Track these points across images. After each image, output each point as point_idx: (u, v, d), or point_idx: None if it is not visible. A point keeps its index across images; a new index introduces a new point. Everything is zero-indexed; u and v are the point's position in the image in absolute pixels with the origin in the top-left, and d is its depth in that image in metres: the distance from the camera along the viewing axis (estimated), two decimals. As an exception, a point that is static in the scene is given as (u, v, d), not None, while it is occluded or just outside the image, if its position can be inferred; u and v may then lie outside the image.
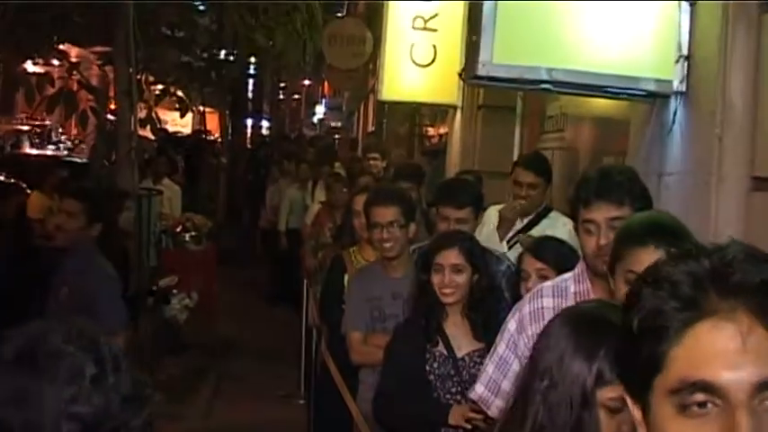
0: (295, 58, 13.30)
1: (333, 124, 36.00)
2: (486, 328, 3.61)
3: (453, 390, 3.58)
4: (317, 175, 11.14)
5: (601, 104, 5.77)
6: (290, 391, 8.20)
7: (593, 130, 6.11)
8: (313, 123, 40.98)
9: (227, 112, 20.39)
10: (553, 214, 5.27)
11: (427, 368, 3.58)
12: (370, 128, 22.96)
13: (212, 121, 23.72)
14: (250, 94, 24.22)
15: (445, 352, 3.60)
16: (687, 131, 3.52)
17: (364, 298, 4.32)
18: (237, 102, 20.83)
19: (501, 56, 3.57)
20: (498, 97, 7.80)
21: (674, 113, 3.55)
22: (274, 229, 12.08)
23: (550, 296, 2.85)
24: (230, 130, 20.67)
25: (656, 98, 3.67)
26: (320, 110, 40.40)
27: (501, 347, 2.93)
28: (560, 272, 3.09)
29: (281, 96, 36.30)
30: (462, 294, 3.61)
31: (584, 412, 1.69)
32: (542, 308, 2.81)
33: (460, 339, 3.64)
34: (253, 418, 7.78)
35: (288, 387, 8.30)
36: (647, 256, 2.16)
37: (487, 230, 4.96)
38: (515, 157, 7.88)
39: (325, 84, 33.58)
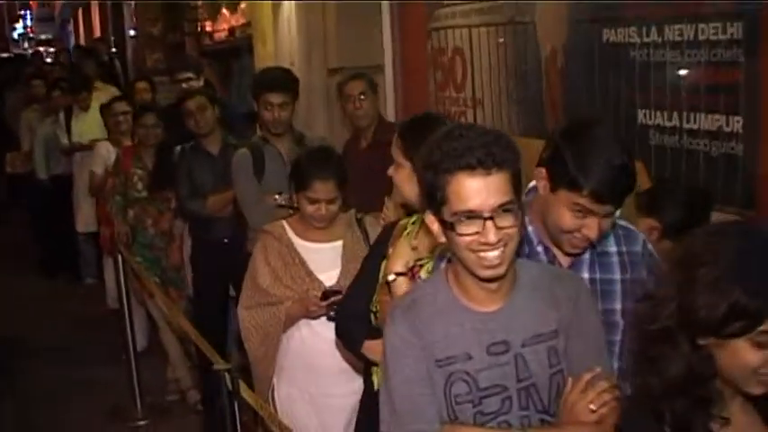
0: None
1: (43, 37, 31.99)
2: None
3: None
4: (73, 101, 8.45)
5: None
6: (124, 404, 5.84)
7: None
8: (15, 39, 36.32)
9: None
10: None
11: None
12: (98, 35, 19.86)
13: None
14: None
15: None
16: None
17: (433, 357, 2.08)
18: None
19: None
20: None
21: None
22: (30, 176, 9.23)
23: None
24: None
25: None
26: (20, 25, 35.95)
27: None
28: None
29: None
30: None
31: None
32: None
33: None
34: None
35: (120, 398, 5.91)
36: None
37: None
38: (388, 44, 5.87)
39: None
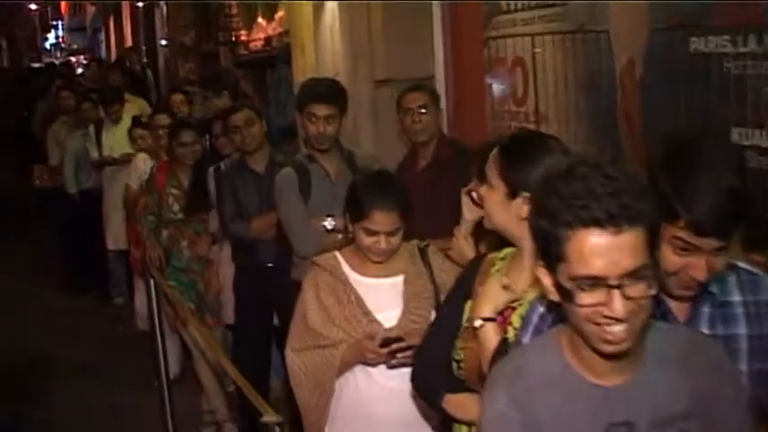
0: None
1: (75, 46, 32.02)
2: None
3: None
4: (104, 114, 8.16)
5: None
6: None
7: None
8: (47, 49, 36.40)
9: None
10: None
11: None
12: (129, 44, 19.63)
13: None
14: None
15: None
16: None
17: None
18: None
19: None
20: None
21: None
22: (59, 189, 8.91)
23: None
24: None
25: None
26: (52, 35, 36.08)
27: None
28: None
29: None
30: None
31: None
32: None
33: None
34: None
35: (151, 426, 5.51)
36: None
37: None
38: (440, 54, 5.50)
39: (62, 4, 29.63)
